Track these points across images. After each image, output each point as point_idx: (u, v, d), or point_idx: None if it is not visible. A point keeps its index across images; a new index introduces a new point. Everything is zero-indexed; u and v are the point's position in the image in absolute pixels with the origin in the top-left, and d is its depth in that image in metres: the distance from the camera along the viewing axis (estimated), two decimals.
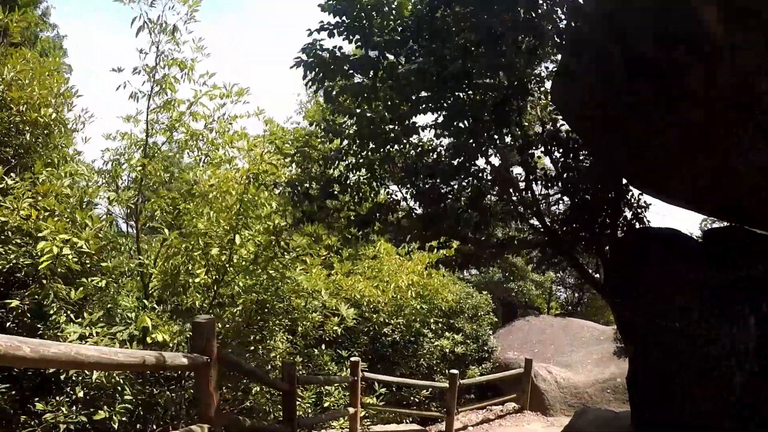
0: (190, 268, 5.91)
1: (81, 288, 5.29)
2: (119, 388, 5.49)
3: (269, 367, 8.88)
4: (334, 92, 4.97)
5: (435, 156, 6.46)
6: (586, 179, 7.07)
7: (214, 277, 5.68)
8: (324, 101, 5.03)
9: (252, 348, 8.47)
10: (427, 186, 6.20)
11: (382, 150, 5.95)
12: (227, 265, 5.75)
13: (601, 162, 7.10)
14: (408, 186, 6.59)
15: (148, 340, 4.94)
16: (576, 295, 18.04)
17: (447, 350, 11.83)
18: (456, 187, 6.41)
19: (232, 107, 7.63)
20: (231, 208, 5.72)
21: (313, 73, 4.98)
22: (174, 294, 6.57)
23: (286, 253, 5.70)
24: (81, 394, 5.39)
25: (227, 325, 7.74)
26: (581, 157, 7.33)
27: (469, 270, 16.80)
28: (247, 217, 5.56)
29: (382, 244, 10.90)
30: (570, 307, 18.33)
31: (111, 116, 14.15)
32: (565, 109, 6.74)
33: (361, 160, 6.16)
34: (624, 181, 7.09)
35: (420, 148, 6.35)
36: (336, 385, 8.73)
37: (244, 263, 5.61)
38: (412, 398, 11.06)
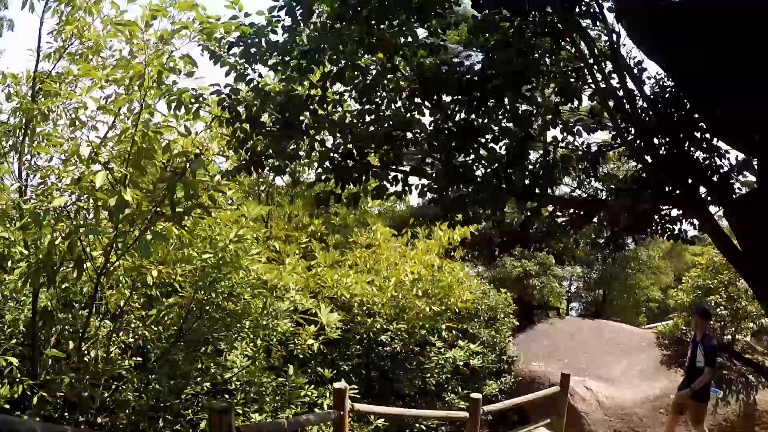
0: (58, 243, 3.45)
1: None
2: None
3: (231, 386, 6.46)
4: None
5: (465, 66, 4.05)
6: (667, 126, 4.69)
7: (87, 260, 3.22)
8: None
9: (201, 367, 6.05)
10: (452, 107, 3.79)
11: (375, 37, 3.50)
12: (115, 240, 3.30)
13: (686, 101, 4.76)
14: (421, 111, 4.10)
15: None
16: (601, 292, 15.66)
17: (460, 363, 9.43)
18: (498, 114, 4.00)
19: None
20: (123, 135, 3.28)
21: None
22: (54, 286, 4.13)
23: (203, 210, 3.25)
24: None
25: (153, 336, 5.31)
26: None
27: (476, 263, 14.38)
28: (145, 151, 3.13)
29: (379, 228, 8.47)
30: (594, 308, 15.96)
31: None
32: (632, 20, 4.39)
33: (342, 62, 3.70)
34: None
35: (442, 48, 3.90)
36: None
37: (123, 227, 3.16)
38: (417, 425, 8.67)
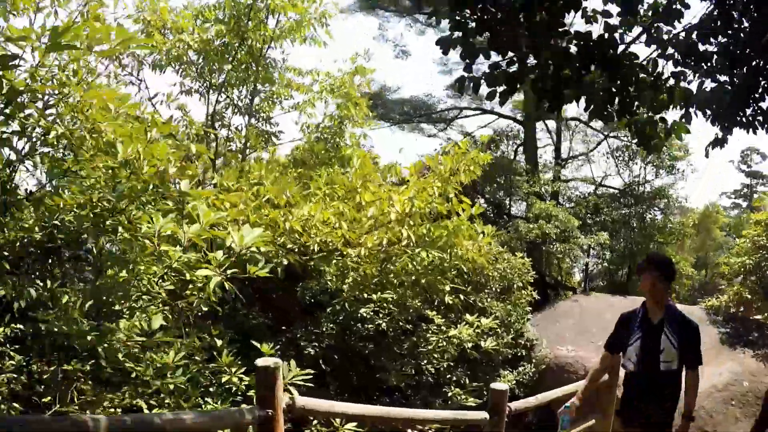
0: None
1: None
2: None
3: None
4: None
5: None
6: None
7: None
8: None
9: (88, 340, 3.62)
10: None
11: None
12: None
13: None
14: None
15: None
16: (625, 266, 13.33)
17: (468, 345, 7.01)
18: None
19: None
20: None
21: None
22: None
23: None
24: None
25: None
26: None
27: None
28: None
29: (355, 151, 6.03)
30: (616, 284, 13.64)
31: None
32: None
33: None
34: None
35: None
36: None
37: None
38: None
